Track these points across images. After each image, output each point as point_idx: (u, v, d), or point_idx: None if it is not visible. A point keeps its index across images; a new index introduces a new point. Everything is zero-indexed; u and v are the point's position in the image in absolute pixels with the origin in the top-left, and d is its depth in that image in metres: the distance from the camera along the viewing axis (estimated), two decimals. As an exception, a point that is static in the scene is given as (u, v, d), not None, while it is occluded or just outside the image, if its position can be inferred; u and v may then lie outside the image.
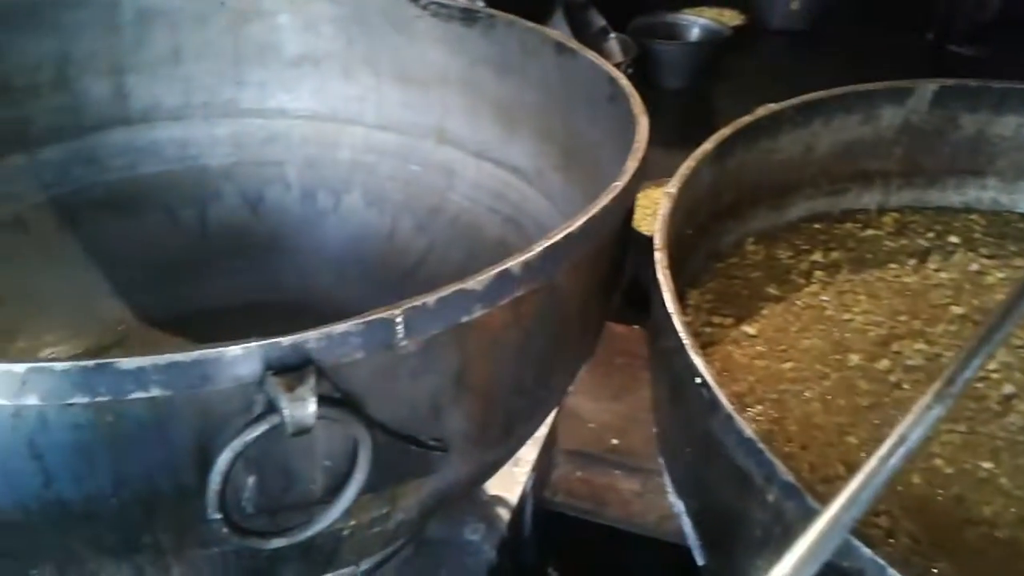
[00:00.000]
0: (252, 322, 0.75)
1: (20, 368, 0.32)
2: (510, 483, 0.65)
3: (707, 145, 0.54)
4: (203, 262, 0.77)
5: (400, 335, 0.37)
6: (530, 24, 0.68)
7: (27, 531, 0.38)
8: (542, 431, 0.69)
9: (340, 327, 0.35)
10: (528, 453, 0.67)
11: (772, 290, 0.58)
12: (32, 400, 0.33)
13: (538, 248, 0.40)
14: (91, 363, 0.32)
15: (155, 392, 0.33)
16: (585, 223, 0.41)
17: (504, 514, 0.63)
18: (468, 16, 0.70)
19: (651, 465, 0.76)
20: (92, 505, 0.36)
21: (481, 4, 0.75)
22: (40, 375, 0.33)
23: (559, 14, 1.41)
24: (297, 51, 0.76)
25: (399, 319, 0.36)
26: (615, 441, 0.79)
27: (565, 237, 0.40)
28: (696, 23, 1.62)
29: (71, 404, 0.33)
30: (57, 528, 0.37)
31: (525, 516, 0.68)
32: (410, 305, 0.37)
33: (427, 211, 0.76)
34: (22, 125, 0.71)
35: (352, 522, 0.42)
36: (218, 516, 0.35)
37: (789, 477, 0.34)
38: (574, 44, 0.64)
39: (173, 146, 0.76)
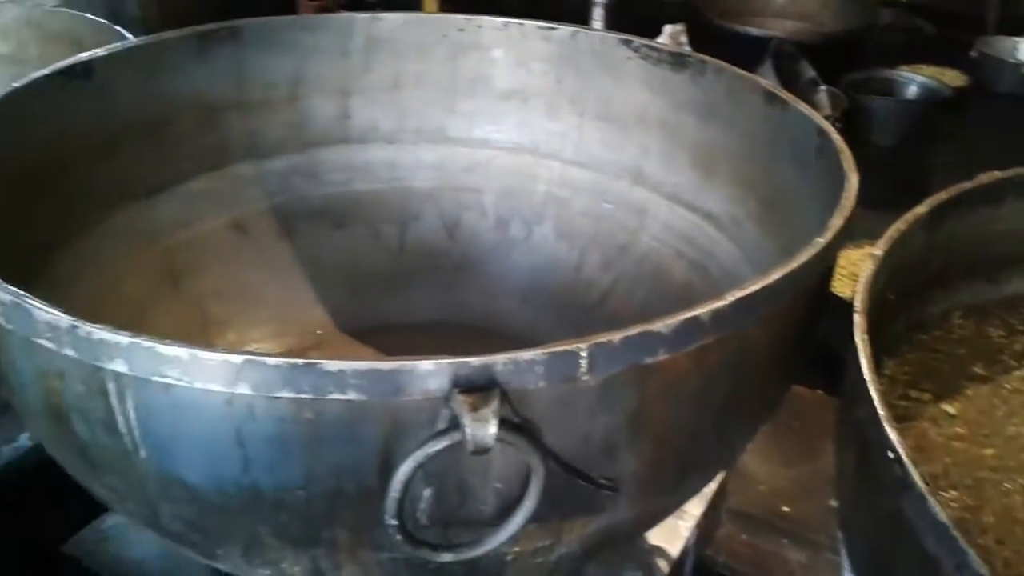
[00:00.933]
0: (438, 339, 0.78)
1: (237, 359, 0.35)
2: (673, 535, 0.63)
3: (920, 209, 0.52)
4: (398, 277, 0.80)
5: (583, 369, 0.37)
6: (740, 71, 0.68)
7: (221, 512, 0.41)
8: (711, 486, 0.67)
9: (526, 354, 0.36)
10: (694, 507, 0.65)
11: (979, 369, 0.54)
12: (244, 390, 0.36)
13: (730, 298, 0.39)
14: (300, 361, 0.35)
15: (352, 395, 0.35)
16: (782, 277, 0.40)
17: (663, 566, 0.62)
18: (678, 60, 0.70)
19: (822, 537, 0.72)
20: (282, 495, 0.39)
21: (687, 49, 0.76)
22: (254, 367, 0.35)
23: (767, 63, 1.38)
24: (507, 85, 0.79)
25: (584, 353, 0.37)
26: (786, 508, 0.76)
27: (760, 289, 0.40)
28: (914, 81, 1.55)
29: (277, 398, 0.36)
30: (248, 513, 0.40)
31: (684, 571, 0.66)
32: (595, 341, 0.37)
33: (615, 248, 0.77)
34: (255, 137, 0.77)
35: (517, 548, 0.42)
36: (394, 522, 0.37)
37: (983, 570, 0.32)
38: (784, 94, 0.63)
39: (384, 167, 0.81)
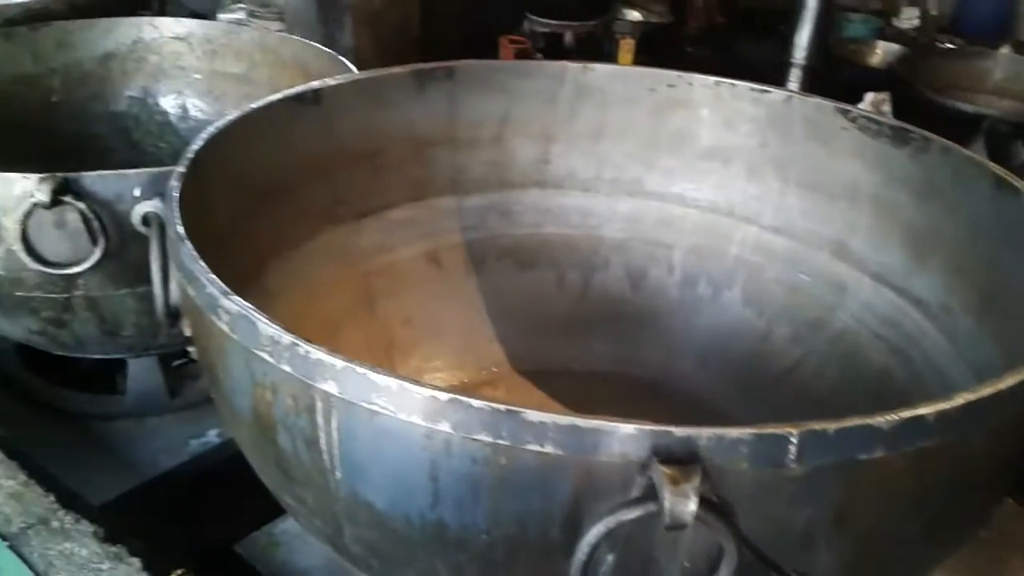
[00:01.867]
0: (613, 390, 0.77)
1: (443, 397, 0.36)
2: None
3: None
4: (577, 324, 0.80)
5: (791, 455, 0.35)
6: (967, 152, 0.64)
7: (403, 542, 0.42)
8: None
9: (733, 432, 0.35)
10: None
11: None
12: (444, 427, 0.36)
13: (959, 400, 0.36)
14: (502, 407, 0.35)
15: (549, 448, 0.35)
16: (1019, 384, 0.37)
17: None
18: (900, 135, 0.67)
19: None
20: (465, 534, 0.39)
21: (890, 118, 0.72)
22: (457, 407, 0.36)
23: (979, 142, 1.31)
24: (710, 144, 0.78)
25: (794, 439, 0.35)
26: (968, 623, 0.70)
27: (993, 395, 0.37)
28: None
29: (475, 439, 0.36)
30: (429, 546, 0.41)
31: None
32: (808, 428, 0.35)
33: (807, 323, 0.74)
34: (458, 173, 0.79)
35: (692, 628, 0.41)
36: (576, 583, 0.36)
37: None
38: (1017, 181, 0.59)
39: (576, 213, 0.81)
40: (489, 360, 0.78)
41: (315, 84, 0.70)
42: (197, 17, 1.82)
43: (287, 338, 0.39)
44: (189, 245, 0.45)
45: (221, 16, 1.94)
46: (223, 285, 0.42)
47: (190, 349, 0.51)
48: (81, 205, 0.62)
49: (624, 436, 0.35)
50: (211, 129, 0.59)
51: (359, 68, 0.99)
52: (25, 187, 0.62)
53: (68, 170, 0.98)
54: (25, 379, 0.82)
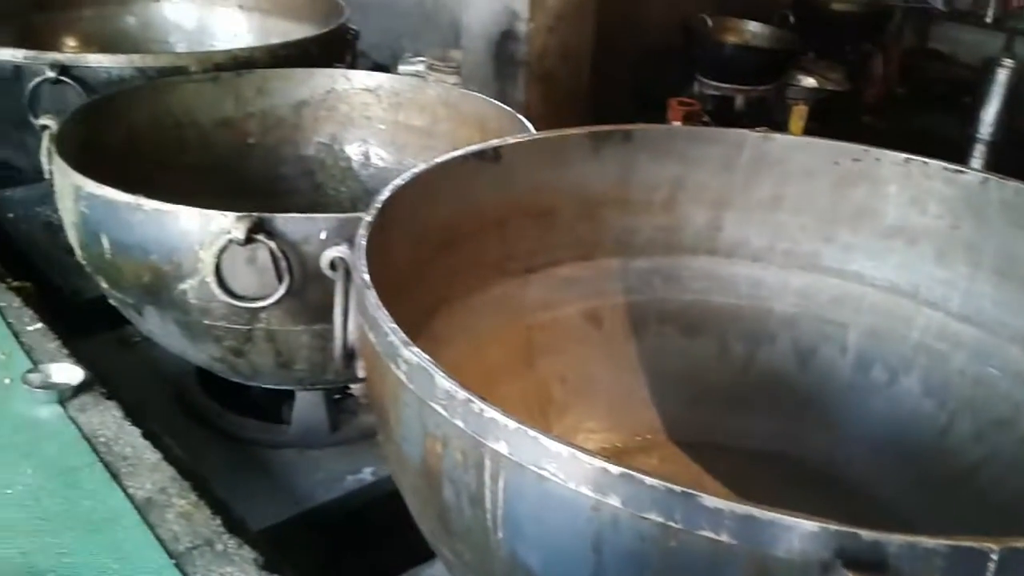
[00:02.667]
0: (773, 472, 0.74)
1: (615, 470, 0.35)
2: None
3: None
4: (738, 397, 0.78)
5: (990, 573, 0.32)
6: None
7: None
8: None
9: (928, 542, 0.32)
10: None
11: None
12: (614, 501, 0.36)
13: None
14: (678, 489, 0.34)
15: (723, 536, 0.34)
16: None
17: None
18: (1115, 227, 0.62)
19: None
20: (624, 612, 0.38)
21: None
22: (630, 483, 0.35)
23: None
24: (895, 223, 0.75)
25: (994, 555, 0.32)
26: None
27: None
28: None
29: (646, 517, 0.35)
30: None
31: None
32: (1010, 545, 0.32)
33: (993, 420, 0.69)
34: (627, 234, 0.79)
35: None
36: None
37: None
38: None
39: (746, 284, 0.79)
40: (644, 426, 0.77)
41: (496, 142, 0.72)
42: (379, 68, 1.92)
43: (462, 394, 0.39)
44: (374, 294, 0.47)
45: (401, 68, 2.04)
46: (404, 335, 0.43)
47: (355, 387, 0.53)
48: (272, 244, 0.66)
49: (806, 533, 0.33)
50: (398, 181, 0.61)
51: (531, 123, 1.01)
52: (223, 224, 0.66)
53: (256, 208, 1.04)
54: (202, 403, 0.87)
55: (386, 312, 0.45)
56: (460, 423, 0.39)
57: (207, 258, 0.67)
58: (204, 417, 0.86)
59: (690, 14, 2.14)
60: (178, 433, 0.82)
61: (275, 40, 1.31)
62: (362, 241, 0.53)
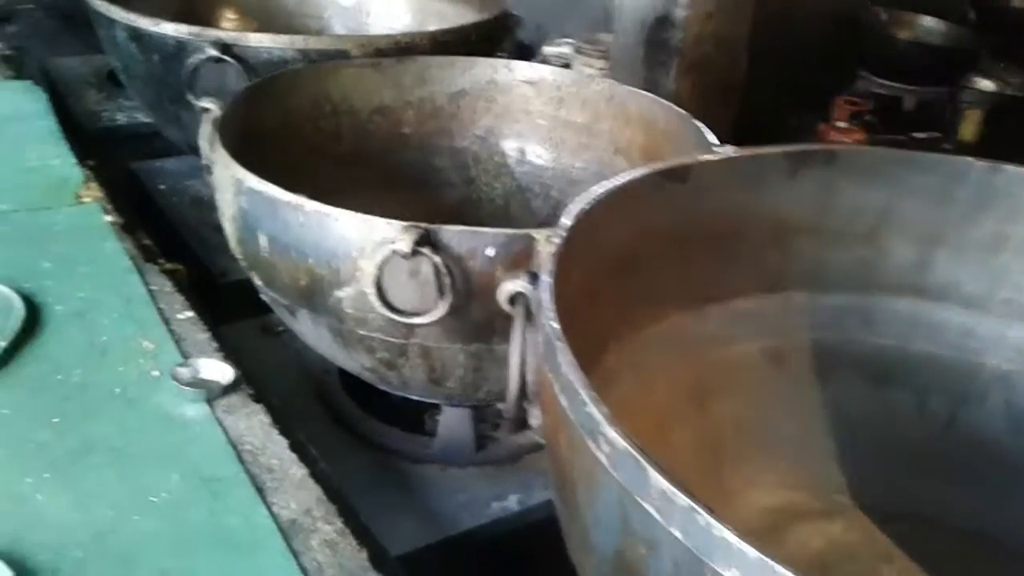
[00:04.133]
0: (972, 554, 0.65)
1: None
2: None
3: None
4: (937, 461, 0.69)
5: None
6: None
7: None
8: None
9: None
10: None
11: None
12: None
13: None
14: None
15: None
16: None
17: None
18: None
19: None
20: None
21: None
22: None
23: None
24: None
25: None
26: None
27: None
28: None
29: None
30: None
31: None
32: None
33: None
34: (819, 266, 0.71)
35: None
36: None
37: None
38: None
39: (954, 332, 0.70)
40: (827, 484, 0.69)
41: (685, 160, 0.64)
42: (524, 49, 1.85)
43: (683, 500, 0.33)
44: (567, 351, 0.41)
45: (546, 49, 1.98)
46: (607, 410, 0.37)
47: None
48: (436, 258, 0.61)
49: None
50: (582, 204, 0.55)
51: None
52: (387, 233, 0.62)
53: (408, 201, 1.01)
54: (345, 406, 0.83)
55: (582, 375, 0.39)
56: (678, 534, 0.33)
57: (367, 268, 0.62)
58: (346, 421, 0.83)
59: (859, 5, 1.99)
60: (318, 436, 0.79)
61: (432, 22, 1.27)
62: (547, 278, 0.47)
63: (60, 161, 1.04)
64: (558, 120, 0.99)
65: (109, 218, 0.93)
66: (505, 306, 0.50)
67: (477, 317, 0.64)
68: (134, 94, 1.08)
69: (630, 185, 0.60)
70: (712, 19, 1.73)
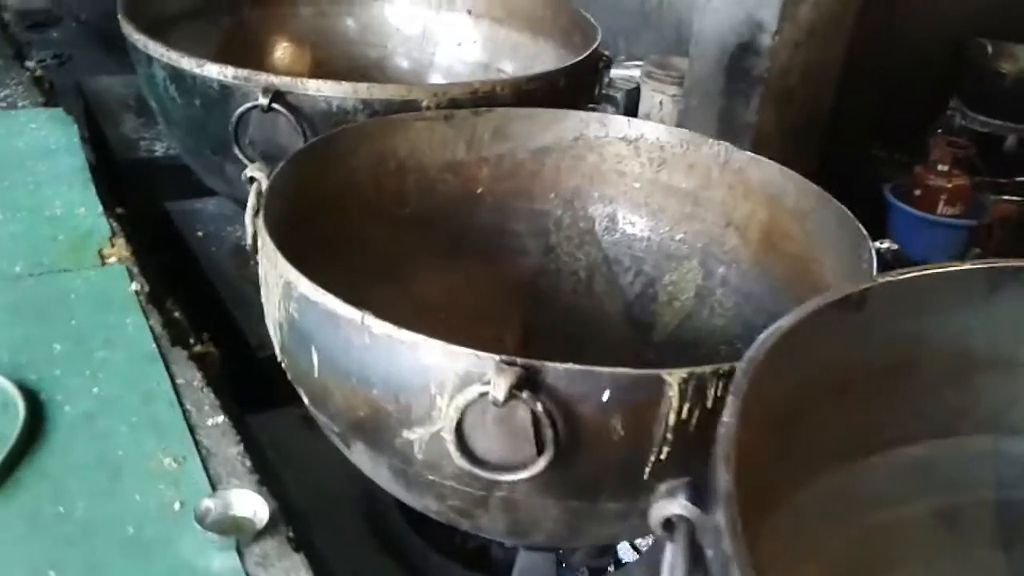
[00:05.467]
0: None
1: None
2: None
3: None
4: None
5: None
6: None
7: None
8: None
9: None
10: None
11: None
12: None
13: None
14: None
15: None
16: None
17: None
18: None
19: None
20: None
21: None
22: None
23: None
24: None
25: None
26: None
27: None
28: None
29: None
30: None
31: None
32: None
33: None
34: (1009, 407, 0.56)
35: None
36: None
37: None
38: None
39: None
40: None
41: (864, 284, 0.50)
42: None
43: None
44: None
45: (615, 72, 1.83)
46: None
47: None
48: (538, 406, 0.47)
49: None
50: (754, 354, 0.41)
51: (760, 151, 0.79)
52: (474, 370, 0.48)
53: (474, 270, 0.87)
54: (401, 534, 0.70)
55: None
56: None
57: (448, 410, 0.49)
58: (398, 549, 0.69)
59: (962, 35, 1.83)
60: (364, 566, 0.66)
61: (505, 55, 1.13)
62: (724, 486, 0.33)
63: (86, 210, 0.92)
64: (658, 184, 0.84)
65: (134, 285, 0.80)
66: (657, 530, 0.36)
67: (582, 472, 0.51)
68: (172, 140, 0.95)
69: (801, 323, 0.46)
70: (801, 48, 1.58)
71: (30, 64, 1.26)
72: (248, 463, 0.63)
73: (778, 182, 0.77)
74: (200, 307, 0.89)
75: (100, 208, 0.92)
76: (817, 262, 0.72)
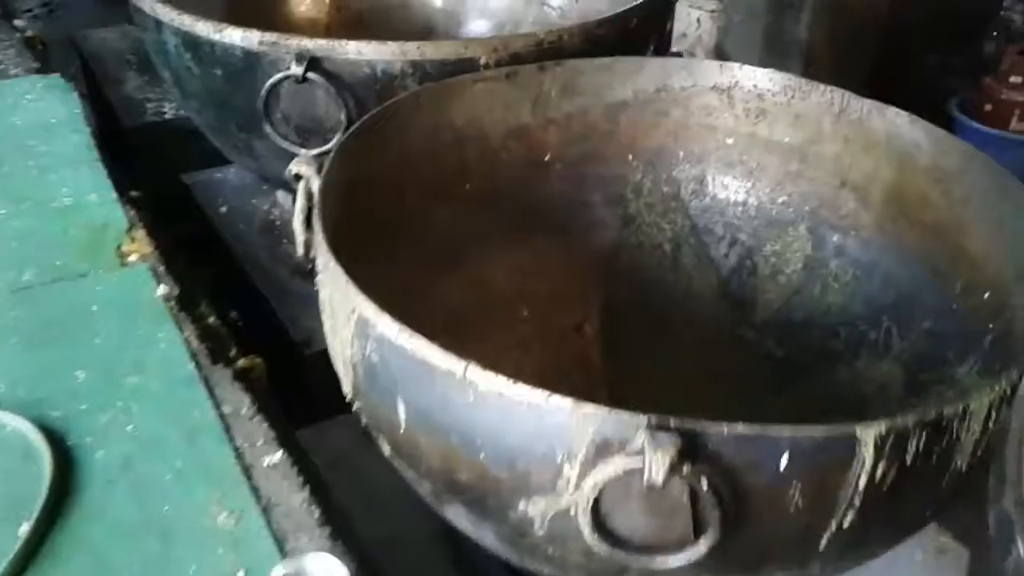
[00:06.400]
0: None
1: None
2: None
3: None
4: None
5: None
6: None
7: None
8: None
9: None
10: None
11: None
12: None
13: None
14: None
15: None
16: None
17: None
18: None
19: None
20: None
21: None
22: None
23: None
24: None
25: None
26: None
27: None
28: None
29: None
30: None
31: None
32: None
33: None
34: None
35: None
36: None
37: None
38: None
39: None
40: None
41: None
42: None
43: None
44: None
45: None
46: None
47: None
48: (702, 484, 0.37)
49: None
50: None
51: (810, 67, 0.68)
52: (614, 435, 0.38)
53: (543, 247, 0.76)
54: (483, 569, 0.61)
55: None
56: None
57: (583, 487, 0.39)
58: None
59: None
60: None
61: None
62: None
63: (98, 197, 0.81)
64: (756, 139, 0.72)
65: (161, 289, 0.70)
66: None
67: (746, 549, 0.41)
68: (191, 114, 0.83)
69: None
70: (852, -49, 1.45)
71: (19, 23, 1.13)
72: (317, 514, 0.54)
73: (908, 135, 0.65)
74: (229, 297, 0.78)
75: (114, 193, 0.81)
76: (966, 233, 0.61)
